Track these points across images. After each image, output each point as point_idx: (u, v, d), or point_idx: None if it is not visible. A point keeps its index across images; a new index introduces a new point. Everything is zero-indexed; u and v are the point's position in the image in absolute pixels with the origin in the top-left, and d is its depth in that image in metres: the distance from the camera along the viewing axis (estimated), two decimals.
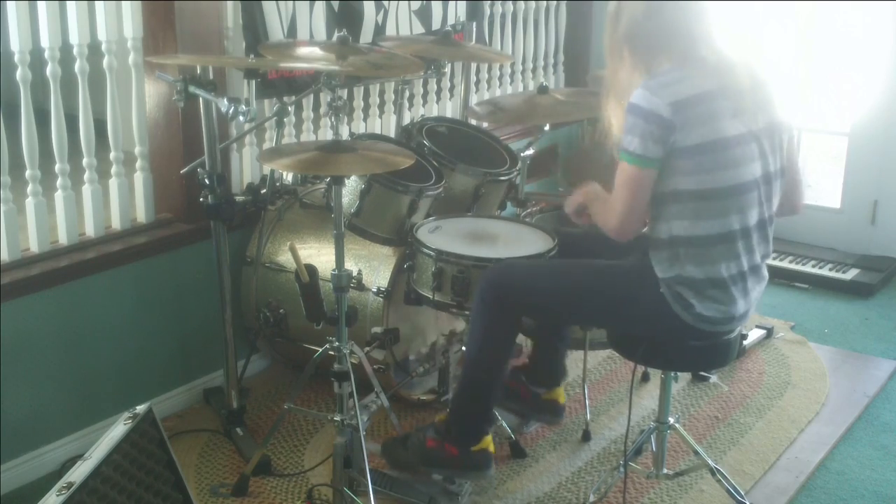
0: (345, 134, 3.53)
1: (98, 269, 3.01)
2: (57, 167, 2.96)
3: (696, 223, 2.35)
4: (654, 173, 2.33)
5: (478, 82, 4.54)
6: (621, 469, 2.68)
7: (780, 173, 2.46)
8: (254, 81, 3.23)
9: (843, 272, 4.62)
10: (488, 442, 2.72)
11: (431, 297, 2.80)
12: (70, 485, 1.94)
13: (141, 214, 3.26)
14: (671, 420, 2.67)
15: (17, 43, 2.78)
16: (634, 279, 2.48)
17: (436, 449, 2.71)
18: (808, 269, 4.66)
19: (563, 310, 2.67)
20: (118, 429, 2.16)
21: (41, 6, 2.81)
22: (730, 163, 2.33)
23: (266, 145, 3.49)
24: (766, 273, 2.52)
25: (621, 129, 2.36)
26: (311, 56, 3.00)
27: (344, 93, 3.03)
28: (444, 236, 2.90)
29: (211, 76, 2.79)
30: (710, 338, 2.48)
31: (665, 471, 2.73)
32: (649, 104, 2.28)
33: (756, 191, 2.39)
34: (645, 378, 3.55)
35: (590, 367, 3.56)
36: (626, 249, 2.60)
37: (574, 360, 3.65)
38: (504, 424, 3.00)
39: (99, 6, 3.00)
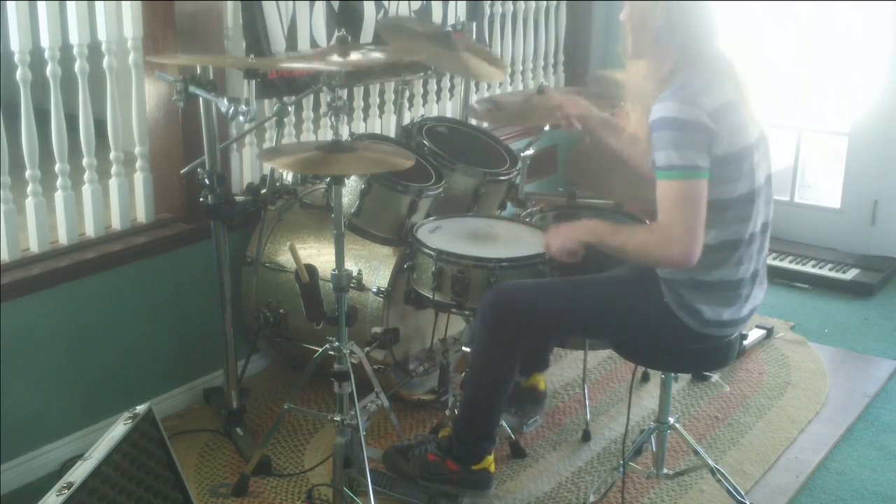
0: (345, 134, 3.53)
1: (98, 269, 3.01)
2: (57, 167, 2.96)
3: (712, 232, 2.30)
4: (707, 183, 2.24)
5: (477, 82, 4.54)
6: (621, 469, 2.68)
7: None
8: (254, 81, 3.23)
9: (843, 272, 4.62)
10: (490, 462, 2.70)
11: (431, 297, 2.80)
12: (70, 485, 1.94)
13: (141, 214, 3.26)
14: (671, 420, 2.66)
15: (17, 43, 2.78)
16: (637, 290, 2.46)
17: (437, 464, 2.70)
18: (808, 269, 4.66)
19: (566, 326, 2.65)
20: (118, 429, 2.16)
21: (41, 6, 2.82)
22: (748, 171, 2.31)
23: (266, 145, 3.49)
24: (766, 272, 2.52)
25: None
26: (310, 56, 3.00)
27: (344, 93, 3.03)
28: (444, 236, 2.89)
29: (211, 76, 2.79)
30: (715, 341, 2.47)
31: (665, 471, 2.73)
32: (690, 115, 2.21)
33: (763, 195, 2.39)
34: (645, 378, 3.55)
35: (590, 367, 3.56)
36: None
37: (574, 360, 3.66)
38: (504, 424, 3.00)
39: (99, 6, 3.00)
